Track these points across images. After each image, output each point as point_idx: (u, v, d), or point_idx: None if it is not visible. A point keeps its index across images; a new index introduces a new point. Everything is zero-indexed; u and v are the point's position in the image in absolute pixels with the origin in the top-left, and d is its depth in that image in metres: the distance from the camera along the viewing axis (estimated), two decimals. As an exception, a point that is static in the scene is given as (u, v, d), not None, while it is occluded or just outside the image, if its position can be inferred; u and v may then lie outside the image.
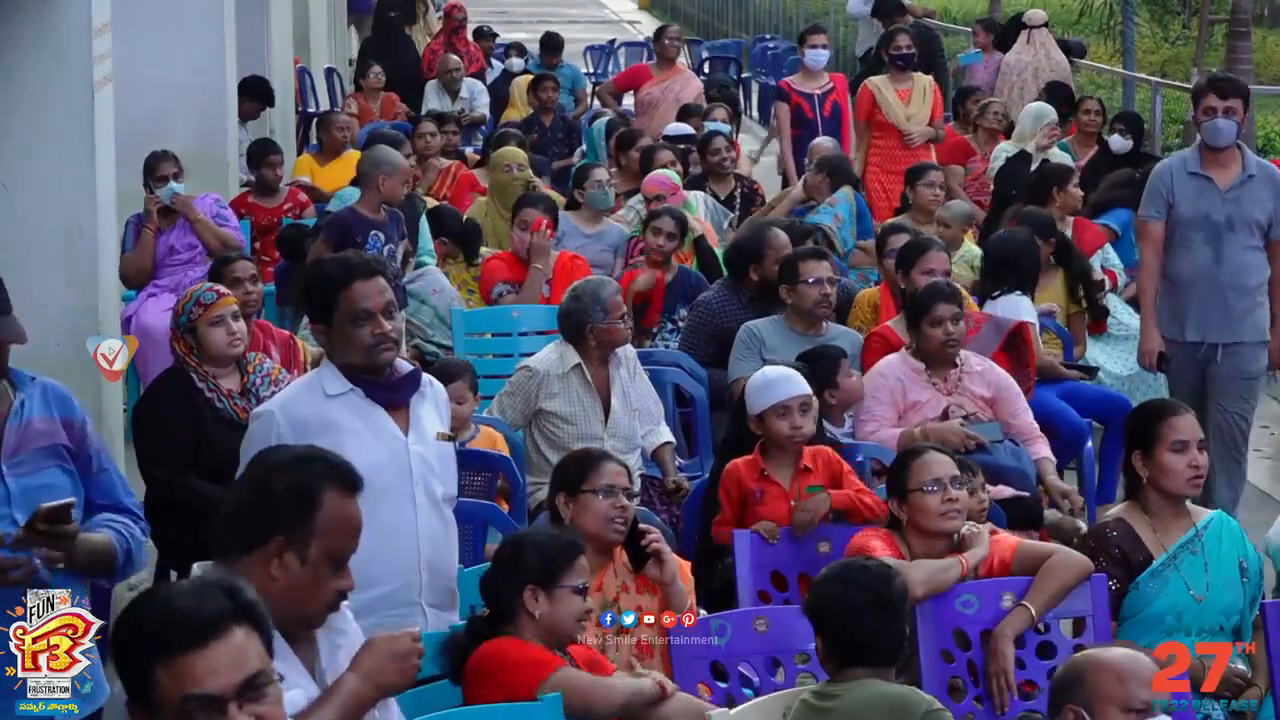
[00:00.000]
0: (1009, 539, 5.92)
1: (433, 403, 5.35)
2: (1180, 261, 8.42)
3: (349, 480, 3.83)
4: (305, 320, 9.66)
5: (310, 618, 3.70)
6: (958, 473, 5.83)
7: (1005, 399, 7.68)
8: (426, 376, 5.41)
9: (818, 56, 13.36)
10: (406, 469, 5.21)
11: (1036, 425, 7.74)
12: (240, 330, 6.88)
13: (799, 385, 6.60)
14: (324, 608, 3.70)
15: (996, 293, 8.77)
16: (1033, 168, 11.55)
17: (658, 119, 14.08)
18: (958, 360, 7.65)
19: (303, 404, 5.21)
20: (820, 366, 7.24)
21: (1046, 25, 15.88)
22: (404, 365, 5.32)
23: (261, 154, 11.55)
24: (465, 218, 10.52)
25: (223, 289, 7.06)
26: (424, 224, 10.13)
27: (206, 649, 2.98)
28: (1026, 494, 7.38)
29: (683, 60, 17.32)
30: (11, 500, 4.75)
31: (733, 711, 4.84)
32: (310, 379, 5.34)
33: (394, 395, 5.24)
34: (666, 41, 15.30)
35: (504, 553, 5.11)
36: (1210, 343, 8.39)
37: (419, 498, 5.23)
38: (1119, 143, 12.55)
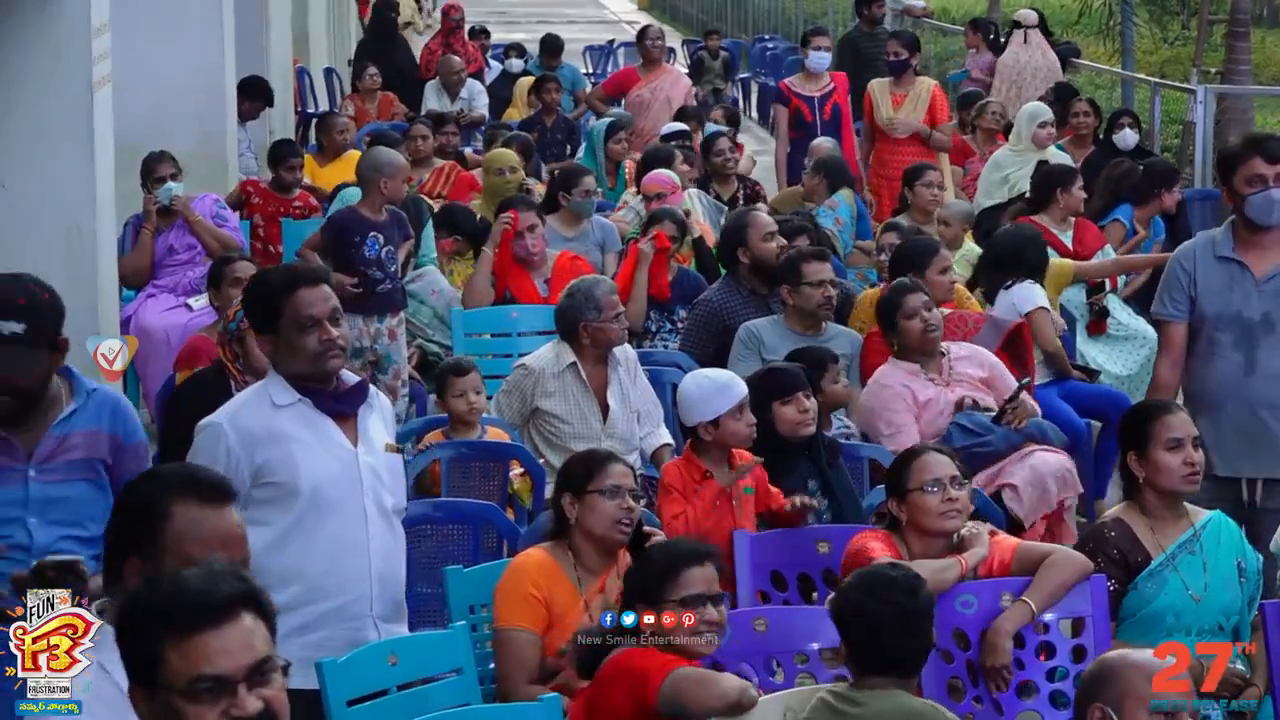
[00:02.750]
0: (1008, 540, 5.92)
1: (380, 414, 5.32)
2: (1203, 372, 6.78)
3: (209, 490, 3.68)
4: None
5: None
6: (957, 473, 5.83)
7: (997, 375, 7.77)
8: (373, 388, 5.38)
9: (820, 59, 13.28)
10: (357, 480, 5.18)
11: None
12: None
13: (743, 386, 6.59)
14: None
15: (1009, 283, 8.80)
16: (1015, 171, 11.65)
17: (650, 120, 14.10)
18: (944, 350, 7.68)
19: (250, 415, 5.17)
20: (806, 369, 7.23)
21: (1040, 25, 15.93)
22: (351, 376, 5.29)
23: (281, 156, 11.57)
24: (479, 216, 10.49)
25: None
26: (429, 228, 10.13)
27: (219, 629, 3.01)
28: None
29: (680, 62, 17.37)
30: (29, 504, 4.90)
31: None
32: (258, 389, 5.29)
33: (342, 406, 5.20)
34: (649, 43, 15.32)
35: (628, 571, 5.18)
36: (1247, 479, 6.70)
37: (369, 509, 5.20)
38: (1130, 137, 12.54)
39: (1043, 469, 7.36)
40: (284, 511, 5.10)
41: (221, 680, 3.00)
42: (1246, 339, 6.72)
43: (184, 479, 3.72)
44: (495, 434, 7.52)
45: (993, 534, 5.87)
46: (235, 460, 5.09)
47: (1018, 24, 15.77)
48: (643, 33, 15.80)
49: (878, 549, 5.65)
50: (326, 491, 5.13)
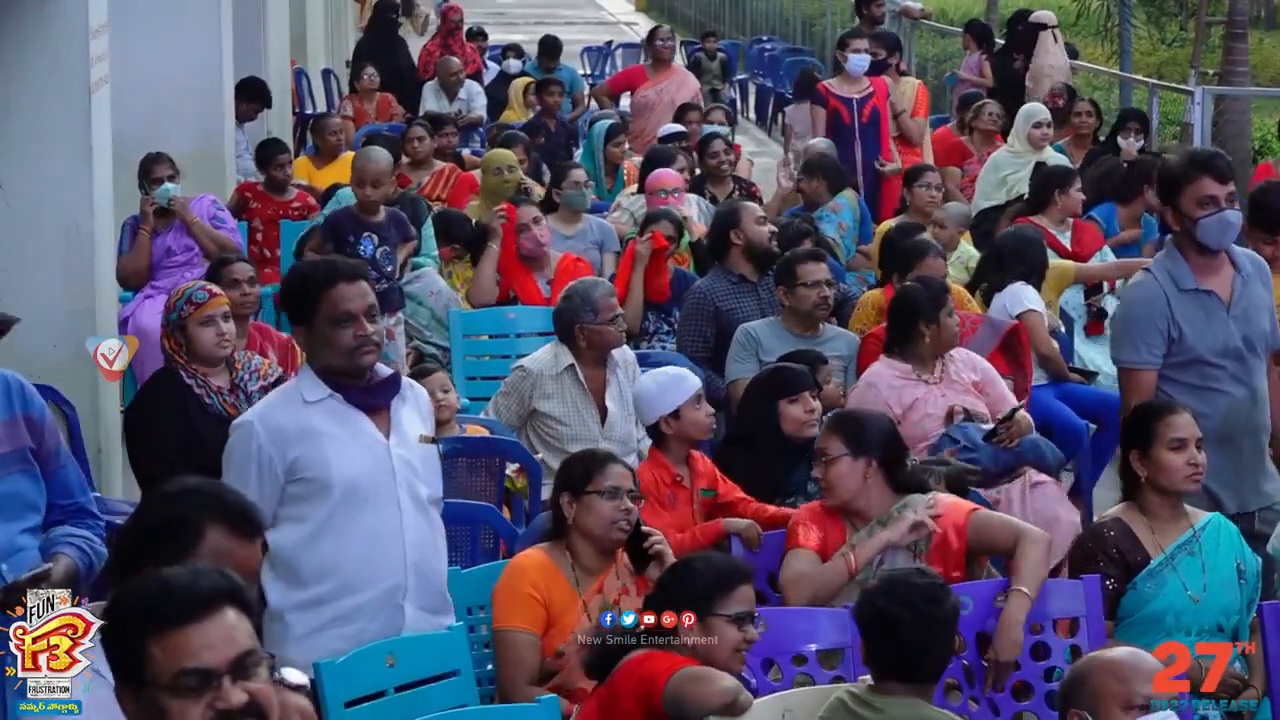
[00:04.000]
0: (961, 505, 5.96)
1: (414, 405, 5.34)
2: (1205, 411, 6.14)
3: (241, 522, 3.69)
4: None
5: None
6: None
7: (990, 382, 7.72)
8: (407, 380, 5.41)
9: (860, 60, 12.96)
10: (390, 472, 5.20)
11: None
12: (230, 331, 6.87)
13: (697, 379, 6.78)
14: None
15: (1002, 286, 8.80)
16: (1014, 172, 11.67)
17: (654, 121, 14.09)
18: None
19: (281, 412, 5.21)
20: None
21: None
22: (383, 369, 5.31)
23: (268, 155, 11.62)
24: (475, 221, 10.49)
25: (215, 288, 7.05)
26: (429, 227, 10.13)
27: (202, 623, 3.03)
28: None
29: (679, 60, 17.36)
30: None
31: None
32: (288, 387, 5.34)
33: (374, 399, 5.23)
34: (659, 43, 15.32)
35: (666, 576, 5.14)
36: (1246, 512, 6.28)
37: (403, 500, 5.22)
38: (1134, 144, 12.51)
39: (1049, 519, 7.06)
40: (317, 506, 5.16)
41: (205, 674, 3.01)
42: (1243, 369, 6.37)
43: (220, 502, 3.72)
44: (474, 431, 7.50)
45: (938, 514, 5.89)
46: (267, 458, 5.15)
47: (1043, 25, 15.79)
48: (653, 33, 15.83)
49: (805, 537, 5.84)
50: (359, 485, 5.17)
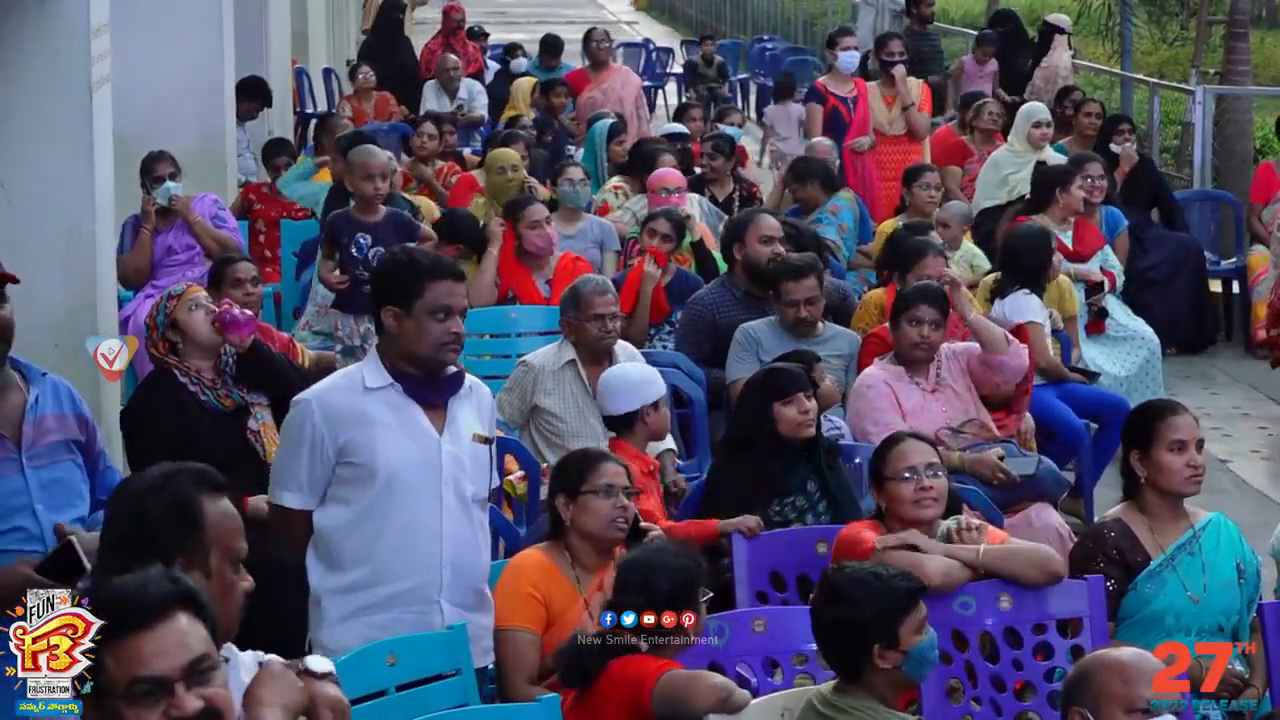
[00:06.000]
0: (996, 533, 5.94)
1: (475, 405, 5.40)
2: None
3: (215, 481, 3.73)
4: (303, 322, 9.73)
5: (226, 634, 3.61)
6: (934, 460, 5.86)
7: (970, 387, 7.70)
8: (471, 379, 5.46)
9: (850, 58, 13.06)
10: (436, 468, 5.26)
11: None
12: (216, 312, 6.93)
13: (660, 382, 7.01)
14: (237, 614, 3.63)
15: (1006, 291, 8.77)
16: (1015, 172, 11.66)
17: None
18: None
19: (339, 395, 5.29)
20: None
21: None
22: (450, 367, 5.37)
23: (267, 155, 11.66)
24: (482, 223, 10.46)
25: (187, 282, 7.24)
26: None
27: (153, 631, 3.04)
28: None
29: (678, 63, 17.42)
30: (32, 493, 5.03)
31: (730, 713, 4.84)
32: (353, 370, 5.41)
33: (433, 394, 5.30)
34: (595, 45, 15.41)
35: (626, 579, 5.11)
36: None
37: (447, 497, 5.27)
38: (1129, 151, 12.48)
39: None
40: (361, 492, 5.23)
41: (159, 681, 3.02)
42: None
43: (194, 473, 3.73)
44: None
45: (971, 528, 5.88)
46: (320, 437, 5.23)
47: (1060, 29, 15.82)
48: (588, 35, 15.87)
49: (870, 538, 5.69)
50: (402, 476, 5.22)
